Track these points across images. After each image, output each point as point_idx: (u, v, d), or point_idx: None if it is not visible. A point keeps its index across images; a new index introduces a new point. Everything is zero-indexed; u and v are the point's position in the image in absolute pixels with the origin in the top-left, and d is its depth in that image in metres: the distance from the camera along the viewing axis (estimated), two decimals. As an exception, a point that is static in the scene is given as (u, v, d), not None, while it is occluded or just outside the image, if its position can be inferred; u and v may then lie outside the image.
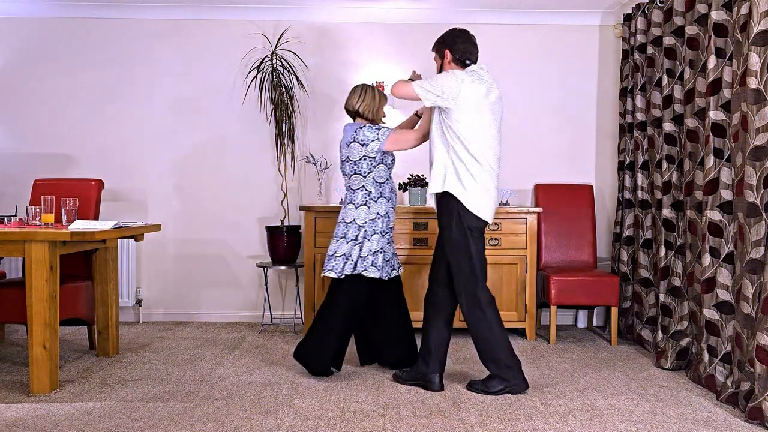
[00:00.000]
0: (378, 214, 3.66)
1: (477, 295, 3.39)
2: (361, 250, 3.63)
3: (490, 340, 3.39)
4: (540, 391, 3.46)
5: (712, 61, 3.51)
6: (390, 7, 5.05)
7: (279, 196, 5.13)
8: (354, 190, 3.68)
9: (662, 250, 4.16)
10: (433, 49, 3.60)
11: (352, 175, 3.68)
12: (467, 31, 3.51)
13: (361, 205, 3.66)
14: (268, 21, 5.12)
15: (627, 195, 4.78)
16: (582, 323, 5.16)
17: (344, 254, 3.64)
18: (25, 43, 5.15)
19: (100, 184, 4.36)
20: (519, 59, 5.16)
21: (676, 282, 4.05)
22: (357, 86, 3.79)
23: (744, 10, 3.20)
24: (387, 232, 3.71)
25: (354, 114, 3.78)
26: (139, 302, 5.15)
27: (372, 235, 3.64)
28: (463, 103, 3.31)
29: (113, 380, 3.61)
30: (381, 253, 3.66)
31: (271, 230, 4.80)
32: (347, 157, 3.67)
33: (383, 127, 3.69)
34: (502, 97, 3.50)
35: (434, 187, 3.41)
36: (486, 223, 3.43)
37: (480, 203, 3.37)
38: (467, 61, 3.46)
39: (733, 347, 3.32)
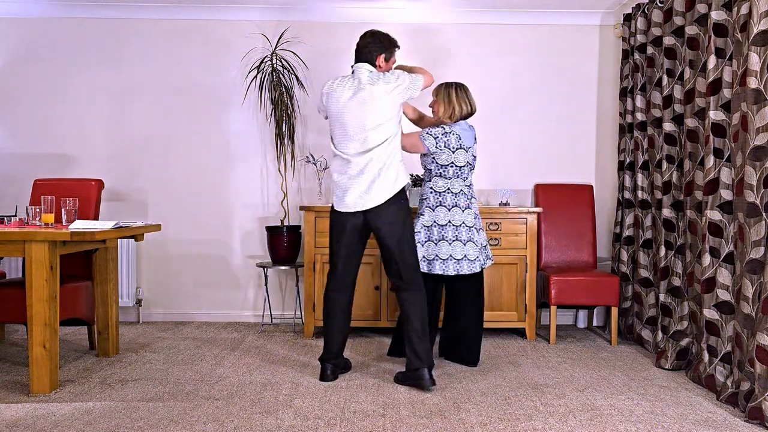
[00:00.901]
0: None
1: (329, 281, 3.64)
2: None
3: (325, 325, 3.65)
4: (540, 391, 3.46)
5: (712, 61, 3.51)
6: (390, 7, 5.05)
7: (279, 196, 5.13)
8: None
9: (662, 250, 4.16)
10: None
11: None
12: (365, 34, 3.61)
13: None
14: (268, 21, 5.12)
15: (627, 195, 4.77)
16: (582, 323, 5.16)
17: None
18: (25, 43, 5.15)
19: (100, 184, 4.36)
20: (519, 59, 5.16)
21: (676, 282, 4.05)
22: (457, 89, 3.88)
23: (744, 10, 3.20)
24: None
25: (470, 116, 3.91)
26: (139, 302, 5.15)
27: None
28: (326, 105, 3.59)
29: (113, 380, 3.61)
30: None
31: (271, 230, 4.80)
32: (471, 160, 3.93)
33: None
34: (373, 93, 3.45)
35: None
36: (346, 214, 3.54)
37: (338, 195, 3.56)
38: (352, 66, 3.62)
39: (733, 347, 3.32)
